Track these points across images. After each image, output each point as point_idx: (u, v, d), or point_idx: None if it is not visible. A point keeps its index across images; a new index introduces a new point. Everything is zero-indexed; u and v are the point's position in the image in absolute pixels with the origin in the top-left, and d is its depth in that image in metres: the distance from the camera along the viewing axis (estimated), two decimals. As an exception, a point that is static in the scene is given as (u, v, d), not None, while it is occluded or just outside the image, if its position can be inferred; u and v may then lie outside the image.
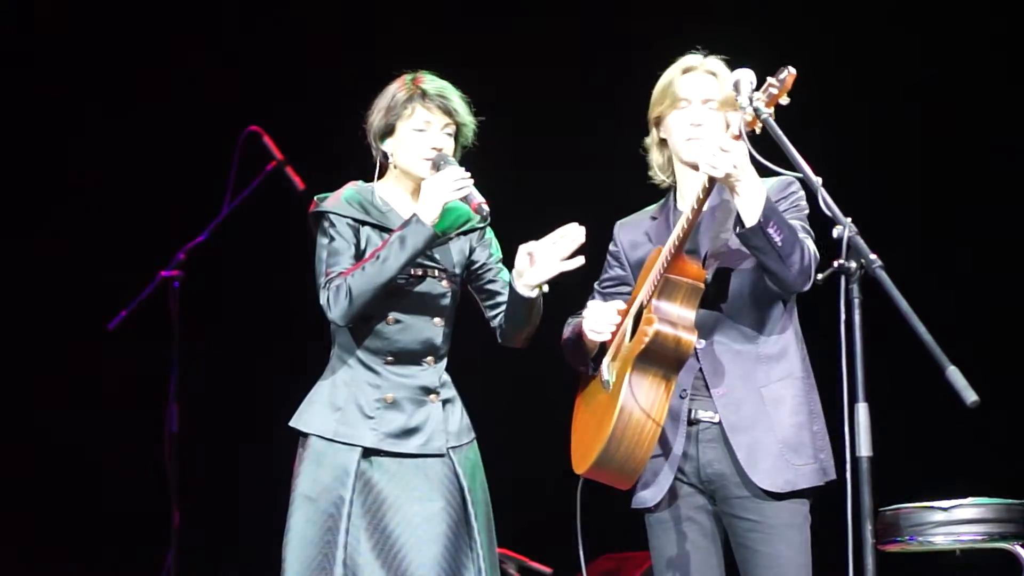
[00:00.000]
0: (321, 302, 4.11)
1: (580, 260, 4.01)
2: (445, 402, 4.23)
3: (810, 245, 3.82)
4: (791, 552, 3.88)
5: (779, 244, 3.72)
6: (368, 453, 4.14)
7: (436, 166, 4.15)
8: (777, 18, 6.45)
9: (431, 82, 4.23)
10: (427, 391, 4.21)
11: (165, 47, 6.76)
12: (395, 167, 4.26)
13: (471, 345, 4.39)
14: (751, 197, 3.71)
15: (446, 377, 4.27)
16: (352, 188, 4.26)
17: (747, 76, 3.64)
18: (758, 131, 3.64)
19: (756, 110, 3.59)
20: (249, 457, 6.66)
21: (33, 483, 6.80)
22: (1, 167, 6.81)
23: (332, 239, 4.18)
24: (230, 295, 6.70)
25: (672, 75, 4.02)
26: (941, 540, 4.77)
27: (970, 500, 4.78)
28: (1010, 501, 4.79)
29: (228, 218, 5.85)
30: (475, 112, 4.27)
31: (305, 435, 4.20)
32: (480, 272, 4.31)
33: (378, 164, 4.27)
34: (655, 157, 4.10)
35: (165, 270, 5.81)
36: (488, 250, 4.32)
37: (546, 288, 4.07)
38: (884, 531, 4.79)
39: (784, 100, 3.60)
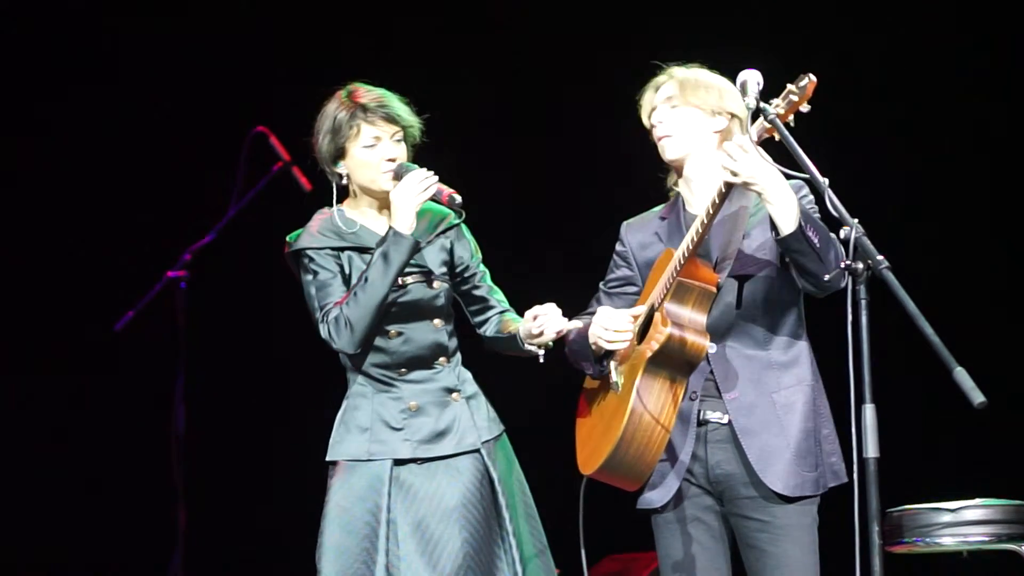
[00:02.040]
0: (323, 336, 4.11)
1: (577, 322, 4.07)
2: (468, 399, 4.22)
3: (837, 242, 3.81)
4: (799, 552, 3.88)
5: (818, 245, 3.72)
6: (400, 460, 4.14)
7: (398, 176, 4.13)
8: (778, 19, 6.45)
9: (368, 94, 4.20)
10: (448, 391, 4.20)
11: (172, 46, 6.77)
12: (355, 186, 4.24)
13: (476, 345, 4.39)
14: (784, 203, 3.71)
15: (466, 374, 4.26)
16: (319, 218, 4.24)
17: (753, 77, 3.64)
18: (777, 138, 3.63)
19: (762, 110, 3.59)
20: (255, 458, 6.66)
21: (38, 484, 6.80)
22: (5, 167, 6.82)
23: (316, 273, 4.16)
24: (237, 296, 6.70)
25: (646, 92, 4.08)
26: (948, 541, 4.76)
27: (977, 501, 4.77)
28: (1017, 502, 4.79)
29: (235, 219, 5.85)
30: (417, 111, 4.25)
31: (335, 462, 4.19)
32: (464, 275, 4.29)
33: (335, 187, 4.24)
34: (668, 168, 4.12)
35: (172, 271, 5.81)
36: (468, 249, 4.30)
37: (551, 344, 4.10)
38: (891, 532, 4.78)
39: (805, 107, 3.59)
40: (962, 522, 4.75)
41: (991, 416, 3.33)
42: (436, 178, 4.10)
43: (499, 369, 4.43)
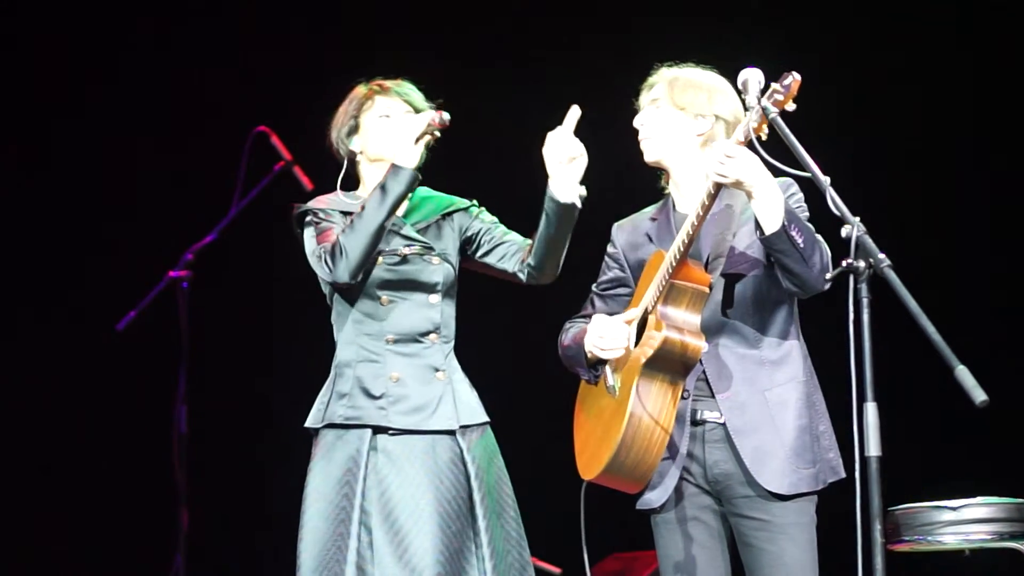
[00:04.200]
0: (323, 272, 4.14)
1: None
2: (453, 381, 4.22)
3: (823, 243, 3.82)
4: (798, 551, 3.88)
5: (801, 245, 3.72)
6: (377, 432, 4.13)
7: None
8: (779, 17, 6.46)
9: (387, 80, 4.32)
10: (434, 369, 4.20)
11: (174, 45, 6.78)
12: (365, 162, 4.30)
13: (474, 345, 4.39)
14: (770, 202, 3.70)
15: (455, 362, 4.26)
16: (324, 197, 4.31)
17: (755, 76, 3.64)
18: (764, 136, 3.63)
19: (764, 109, 3.59)
20: (258, 458, 6.67)
21: (40, 484, 6.81)
22: (7, 165, 6.82)
23: (319, 222, 4.22)
24: (239, 296, 6.71)
25: (640, 93, 4.08)
26: (950, 540, 4.76)
27: (979, 500, 4.77)
28: (1019, 501, 4.79)
29: (237, 218, 5.86)
30: (432, 98, 4.32)
31: (316, 431, 4.20)
32: (483, 239, 4.29)
33: (343, 170, 4.30)
34: None
35: (174, 270, 5.81)
36: (480, 218, 4.32)
37: (583, 191, 4.04)
38: (893, 531, 4.78)
39: (790, 106, 3.59)
40: (964, 520, 4.74)
41: (993, 414, 3.33)
42: (432, 115, 4.13)
43: (500, 367, 4.43)
